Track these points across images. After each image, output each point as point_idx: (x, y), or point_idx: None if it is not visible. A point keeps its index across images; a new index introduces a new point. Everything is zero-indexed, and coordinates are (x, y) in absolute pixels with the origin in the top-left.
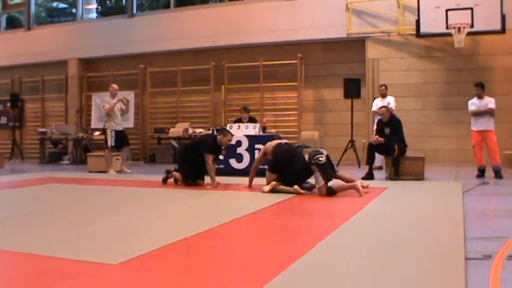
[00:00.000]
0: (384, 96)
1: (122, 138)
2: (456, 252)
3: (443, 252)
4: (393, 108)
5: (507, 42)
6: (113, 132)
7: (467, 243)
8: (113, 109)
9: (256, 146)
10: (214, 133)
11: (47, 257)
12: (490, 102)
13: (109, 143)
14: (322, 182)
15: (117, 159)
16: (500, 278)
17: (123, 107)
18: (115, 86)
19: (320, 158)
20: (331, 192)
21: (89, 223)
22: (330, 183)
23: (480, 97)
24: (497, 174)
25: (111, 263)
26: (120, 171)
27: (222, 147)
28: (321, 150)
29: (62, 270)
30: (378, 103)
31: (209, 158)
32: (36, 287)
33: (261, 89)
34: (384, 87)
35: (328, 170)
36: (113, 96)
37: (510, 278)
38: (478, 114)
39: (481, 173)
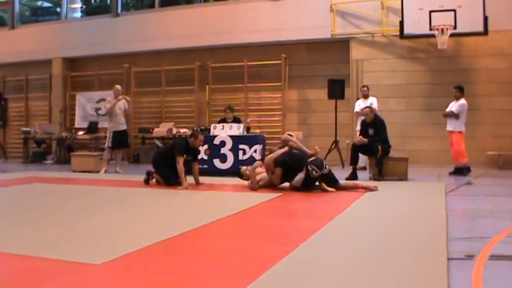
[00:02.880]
0: (366, 97)
1: (121, 139)
2: (439, 252)
3: (425, 252)
4: (376, 109)
5: (489, 44)
6: (111, 133)
7: (449, 244)
8: (113, 109)
9: (240, 146)
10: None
11: (30, 256)
12: (456, 104)
13: (106, 144)
14: (299, 182)
15: (101, 159)
16: (483, 278)
17: (127, 106)
18: (118, 86)
19: (314, 172)
20: (295, 189)
21: (72, 223)
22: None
23: (457, 99)
24: (455, 172)
25: (95, 263)
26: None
27: (197, 148)
28: (326, 165)
29: (45, 270)
30: (360, 104)
31: (180, 160)
32: (18, 287)
33: (245, 89)
34: (366, 88)
35: (311, 182)
36: (116, 97)
37: (492, 277)
38: (445, 116)
39: (455, 170)
